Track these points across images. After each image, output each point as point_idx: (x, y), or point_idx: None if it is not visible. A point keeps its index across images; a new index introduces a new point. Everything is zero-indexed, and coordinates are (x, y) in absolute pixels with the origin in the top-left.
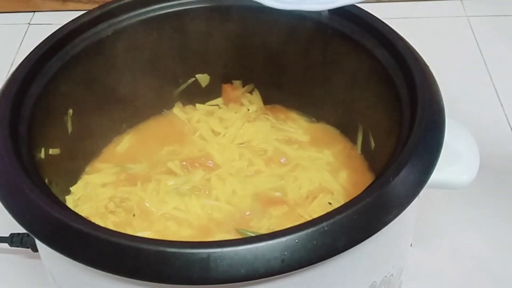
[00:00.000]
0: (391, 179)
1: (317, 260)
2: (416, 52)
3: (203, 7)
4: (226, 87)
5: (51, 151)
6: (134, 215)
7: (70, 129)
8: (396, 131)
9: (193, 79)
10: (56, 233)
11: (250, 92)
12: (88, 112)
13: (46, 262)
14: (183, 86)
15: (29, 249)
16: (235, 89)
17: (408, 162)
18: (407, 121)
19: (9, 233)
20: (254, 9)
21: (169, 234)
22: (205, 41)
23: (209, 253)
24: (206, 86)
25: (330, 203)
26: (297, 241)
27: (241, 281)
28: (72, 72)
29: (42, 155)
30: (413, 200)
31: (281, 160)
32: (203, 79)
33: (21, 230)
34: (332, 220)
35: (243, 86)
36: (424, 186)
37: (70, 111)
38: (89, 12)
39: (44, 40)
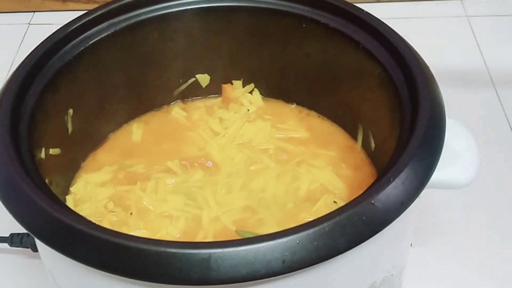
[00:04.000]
0: (391, 179)
1: (318, 261)
2: (416, 52)
3: (203, 7)
4: (226, 87)
5: (51, 151)
6: (131, 214)
7: (70, 129)
8: (396, 131)
9: (193, 79)
10: (56, 233)
11: (250, 92)
12: (88, 112)
13: (46, 262)
14: (183, 86)
15: (29, 249)
16: (235, 89)
17: (409, 163)
18: (408, 122)
19: (9, 233)
20: (254, 9)
21: (165, 233)
22: (205, 41)
23: (210, 253)
24: (206, 86)
25: (335, 202)
26: (298, 241)
27: (241, 281)
28: (72, 72)
29: (42, 155)
30: (414, 200)
31: (283, 157)
32: (203, 79)
33: (21, 230)
34: (332, 221)
35: (243, 86)
36: (425, 186)
37: (71, 111)
38: (89, 12)
39: (45, 39)
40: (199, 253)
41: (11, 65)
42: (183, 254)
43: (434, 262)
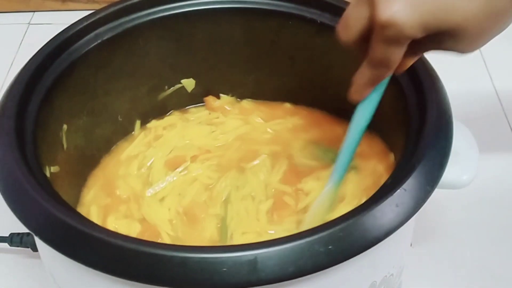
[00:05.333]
0: (404, 181)
1: (361, 250)
2: None
3: (190, 11)
4: (208, 100)
5: (52, 169)
6: None
7: (65, 145)
8: (403, 131)
9: (180, 85)
10: (62, 235)
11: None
12: (82, 126)
13: (46, 261)
14: (169, 91)
15: (29, 249)
16: (217, 100)
17: (420, 164)
18: (416, 122)
19: (9, 233)
20: (252, 10)
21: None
22: (191, 46)
23: (256, 254)
24: (192, 91)
25: None
26: (341, 233)
27: (290, 279)
28: (64, 86)
29: (47, 173)
30: (426, 201)
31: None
32: (188, 84)
33: (21, 229)
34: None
35: (232, 95)
36: (435, 187)
37: (65, 126)
38: (76, 23)
39: (34, 55)
40: (245, 256)
41: (11, 65)
42: (229, 258)
43: (434, 262)
